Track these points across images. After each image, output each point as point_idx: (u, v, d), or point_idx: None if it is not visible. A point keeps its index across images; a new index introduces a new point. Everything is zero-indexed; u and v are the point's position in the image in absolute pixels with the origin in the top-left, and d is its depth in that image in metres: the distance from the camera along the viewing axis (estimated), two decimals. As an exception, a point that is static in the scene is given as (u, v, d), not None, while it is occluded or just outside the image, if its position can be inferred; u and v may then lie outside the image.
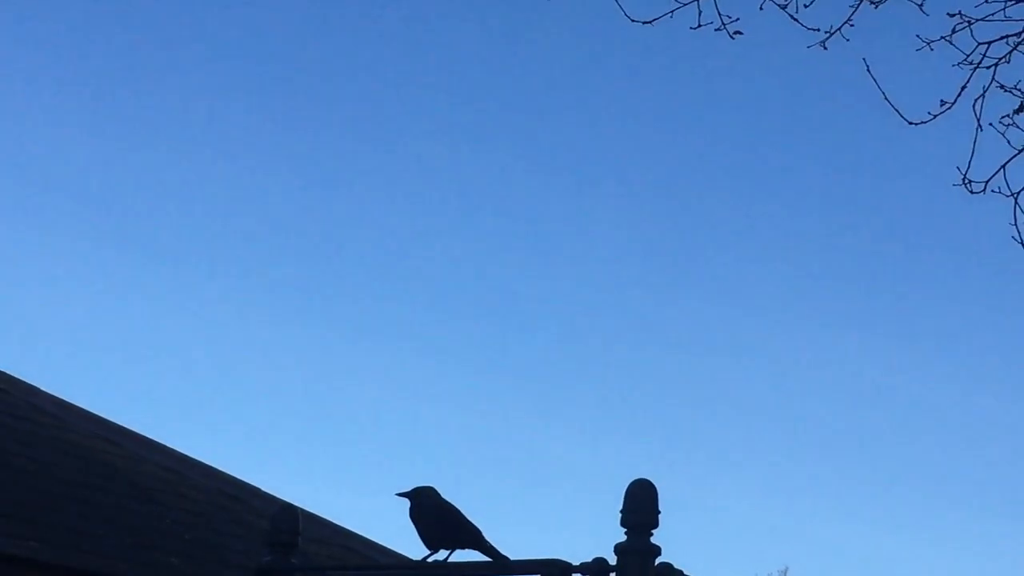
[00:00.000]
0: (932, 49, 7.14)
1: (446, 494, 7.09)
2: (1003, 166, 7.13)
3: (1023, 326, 22.60)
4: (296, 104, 20.86)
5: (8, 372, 8.78)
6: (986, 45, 7.14)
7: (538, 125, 21.83)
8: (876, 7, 7.09)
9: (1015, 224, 7.20)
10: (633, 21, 7.04)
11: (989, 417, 24.18)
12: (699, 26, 7.00)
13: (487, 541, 6.97)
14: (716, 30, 7.00)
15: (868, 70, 7.03)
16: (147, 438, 8.84)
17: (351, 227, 21.83)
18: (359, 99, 21.24)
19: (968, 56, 7.12)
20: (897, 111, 7.13)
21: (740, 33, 6.98)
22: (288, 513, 7.31)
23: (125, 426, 8.87)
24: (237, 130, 20.78)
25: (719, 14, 7.00)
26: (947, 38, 7.11)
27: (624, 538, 6.38)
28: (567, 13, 17.89)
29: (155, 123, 19.97)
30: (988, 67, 7.16)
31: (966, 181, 7.10)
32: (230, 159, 20.69)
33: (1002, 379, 23.46)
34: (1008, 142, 7.09)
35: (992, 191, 7.21)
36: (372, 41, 21.05)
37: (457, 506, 7.06)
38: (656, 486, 6.41)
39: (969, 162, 7.10)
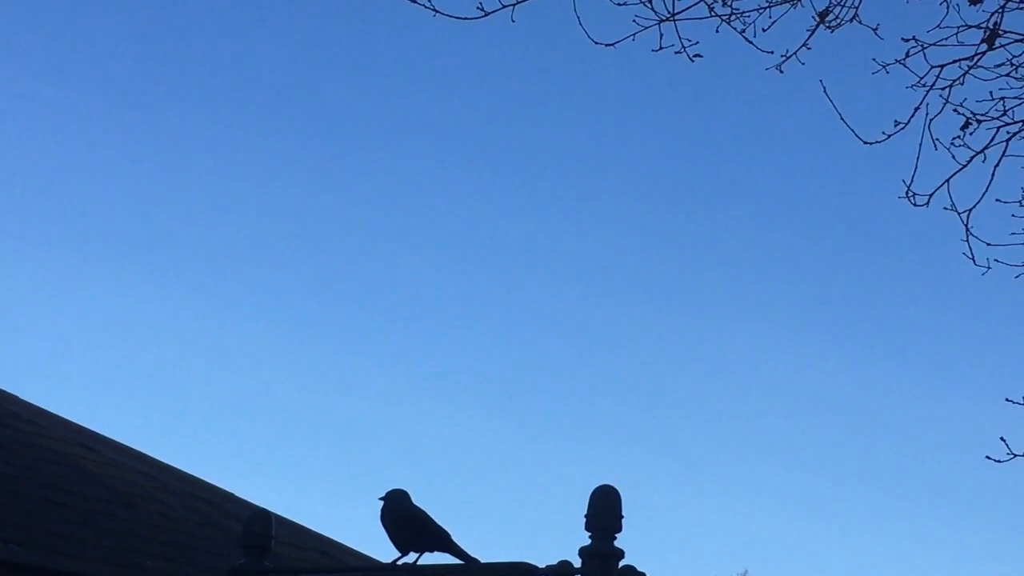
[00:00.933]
0: (887, 72, 7.26)
1: (416, 498, 7.17)
2: (947, 180, 7.26)
3: (974, 332, 22.94)
4: (292, 111, 20.95)
5: (-14, 381, 8.83)
6: (939, 68, 7.28)
7: (522, 140, 22.01)
8: (832, 31, 7.25)
9: (967, 240, 7.35)
10: (596, 43, 7.13)
11: (941, 421, 24.51)
12: (660, 48, 7.11)
13: (456, 544, 7.05)
14: (676, 53, 7.10)
15: (825, 91, 7.15)
16: (124, 444, 8.88)
17: (332, 234, 21.93)
18: (358, 106, 21.35)
19: (922, 78, 7.24)
20: (853, 131, 7.24)
21: (699, 56, 7.09)
22: (261, 517, 7.37)
23: (102, 433, 8.91)
24: (231, 134, 20.85)
25: (679, 37, 7.12)
26: (902, 61, 7.24)
27: (588, 542, 6.49)
28: (529, 33, 18.06)
29: (148, 126, 20.02)
30: (942, 88, 7.30)
31: (910, 194, 7.26)
32: (218, 165, 20.76)
33: (958, 384, 23.79)
34: (953, 157, 7.25)
35: (944, 208, 7.37)
36: (366, 47, 21.17)
37: (426, 510, 7.12)
38: (619, 491, 6.52)
39: (913, 175, 7.23)
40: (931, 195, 7.27)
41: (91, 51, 19.94)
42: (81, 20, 19.65)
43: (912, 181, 7.25)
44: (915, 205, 7.24)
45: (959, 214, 7.28)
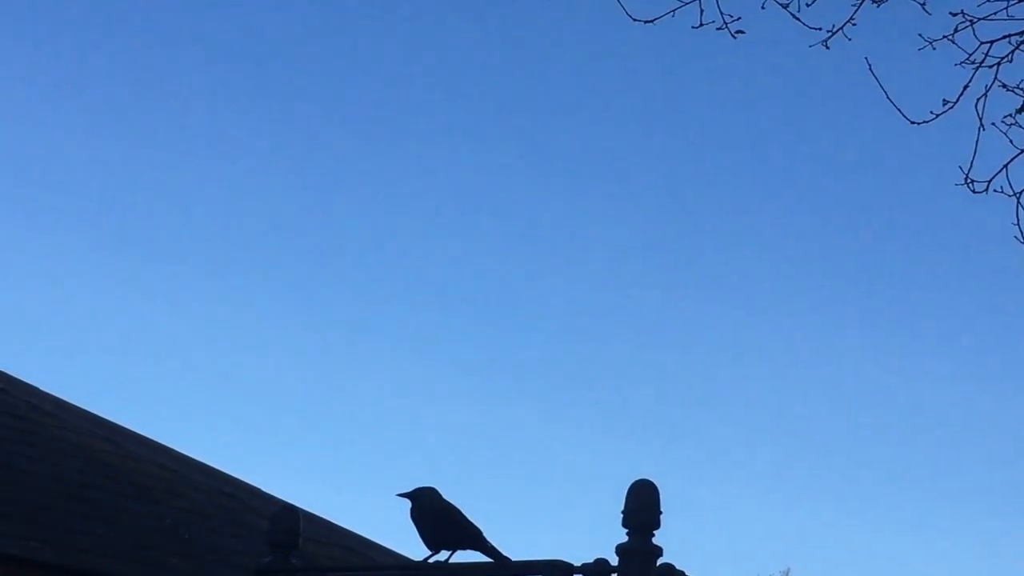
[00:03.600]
0: (934, 48, 7.15)
1: (447, 494, 7.11)
2: (1005, 165, 7.15)
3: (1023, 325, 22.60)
4: (295, 105, 20.87)
5: (7, 371, 8.78)
6: (988, 44, 7.14)
7: (536, 125, 21.83)
8: (878, 6, 7.10)
9: (1017, 224, 7.21)
10: (635, 20, 7.05)
11: (990, 417, 24.19)
12: (700, 25, 7.01)
13: (488, 542, 6.98)
14: (718, 29, 7.01)
15: (870, 69, 7.04)
16: (146, 438, 8.81)
17: (350, 227, 21.84)
18: (360, 99, 21.25)
19: (970, 55, 7.13)
20: (899, 110, 7.13)
21: (742, 32, 6.99)
22: (288, 513, 7.34)
23: (124, 426, 8.85)
24: (236, 130, 20.80)
25: (721, 13, 7.02)
26: (949, 37, 7.11)
27: (626, 539, 6.40)
28: (568, 12, 17.89)
29: (152, 122, 19.98)
30: (990, 66, 7.17)
31: (969, 181, 7.11)
32: (229, 159, 20.70)
33: (1003, 379, 23.47)
34: (1011, 141, 7.11)
35: (995, 191, 7.21)
36: (370, 41, 21.05)
37: (458, 506, 7.07)
38: (658, 486, 6.43)
39: (971, 162, 7.11)
40: (989, 181, 7.09)
41: (92, 51, 19.89)
42: (80, 15, 19.58)
43: (971, 167, 7.07)
44: (974, 192, 7.07)
45: (1016, 196, 7.08)
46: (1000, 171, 7.13)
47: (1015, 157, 7.11)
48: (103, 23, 19.81)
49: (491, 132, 21.88)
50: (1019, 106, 7.06)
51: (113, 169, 20.09)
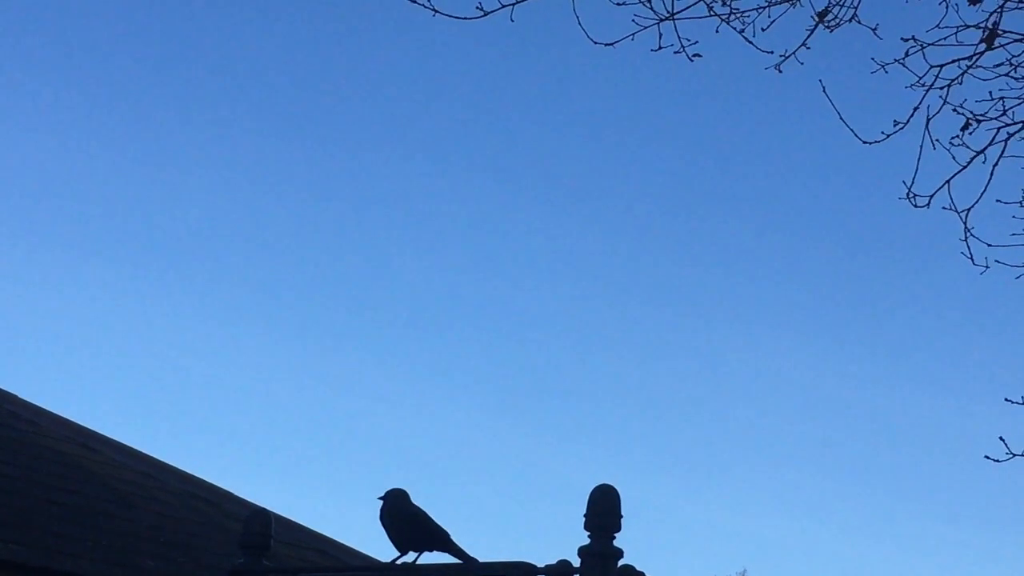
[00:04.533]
0: (886, 71, 7.24)
1: (415, 497, 7.19)
2: (947, 181, 7.25)
3: (973, 332, 22.93)
4: (293, 113, 20.95)
5: (-15, 380, 8.81)
6: (938, 68, 7.26)
7: (521, 140, 22.00)
8: (831, 31, 7.24)
9: (966, 240, 7.34)
10: (595, 43, 7.12)
11: (941, 421, 24.51)
12: (659, 48, 7.10)
13: (455, 543, 7.07)
14: (675, 53, 7.07)
15: (824, 91, 7.13)
16: (123, 444, 8.86)
17: (332, 233, 21.93)
18: (355, 108, 21.34)
19: (921, 78, 7.22)
20: (852, 131, 7.22)
21: (699, 56, 7.09)
22: (260, 516, 7.40)
23: (101, 432, 8.89)
24: (229, 137, 20.84)
25: (679, 37, 7.09)
26: (900, 61, 7.22)
27: (587, 541, 6.51)
28: (529, 34, 18.04)
29: (144, 129, 20.01)
30: (940, 88, 7.29)
31: (911, 195, 7.25)
32: (219, 165, 20.76)
33: (957, 384, 23.78)
34: (954, 158, 7.23)
35: (943, 208, 7.35)
36: (362, 54, 21.16)
37: (426, 509, 7.14)
38: (618, 491, 6.54)
39: (914, 177, 7.21)
40: (931, 196, 7.26)
41: (91, 51, 19.93)
42: (80, 20, 19.63)
43: (913, 182, 7.24)
44: (916, 206, 7.23)
45: (959, 214, 7.27)
46: (942, 186, 7.27)
47: (956, 173, 7.25)
48: (102, 26, 19.85)
49: (480, 141, 22.03)
50: (962, 125, 7.23)
51: (93, 175, 20.13)
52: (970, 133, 7.28)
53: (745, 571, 24.26)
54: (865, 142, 7.25)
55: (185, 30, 19.96)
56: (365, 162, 21.41)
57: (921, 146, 7.13)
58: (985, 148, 7.30)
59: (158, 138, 20.15)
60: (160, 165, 20.14)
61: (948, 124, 7.35)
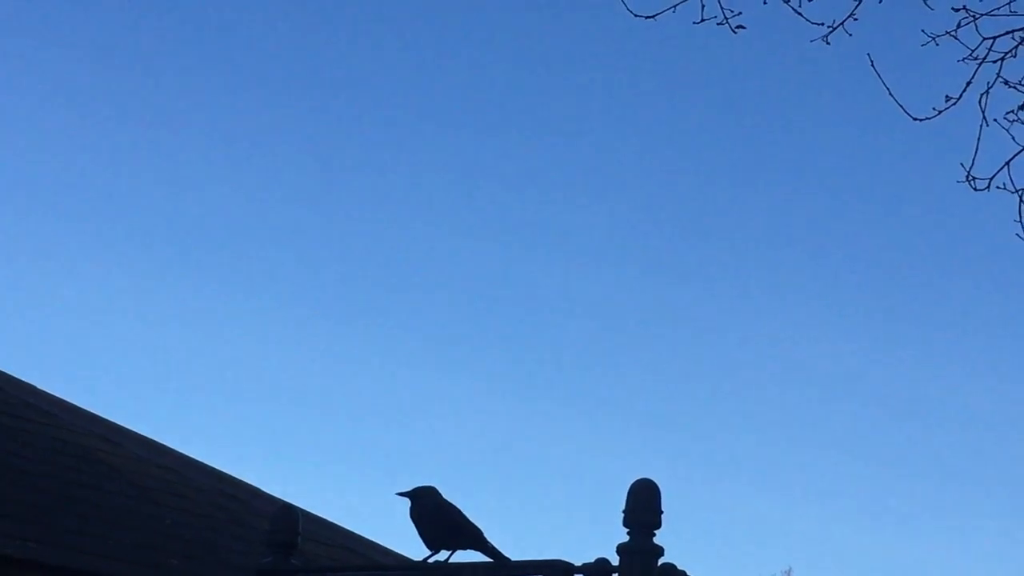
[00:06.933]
0: (937, 44, 7.11)
1: (447, 494, 7.11)
2: (1007, 163, 7.11)
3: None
4: (298, 100, 20.86)
5: (5, 371, 8.76)
6: (991, 40, 7.11)
7: (537, 122, 21.80)
8: (880, 1, 7.08)
9: (1020, 221, 7.17)
10: (636, 16, 7.01)
11: (997, 416, 24.16)
12: (702, 20, 6.99)
13: (488, 541, 6.99)
14: (718, 24, 6.98)
15: (872, 65, 7.01)
16: (146, 438, 8.81)
17: (351, 228, 21.82)
18: (360, 95, 21.23)
19: (973, 51, 7.08)
20: (901, 107, 7.09)
21: (743, 27, 6.96)
22: (288, 513, 7.33)
23: (124, 426, 8.85)
24: (236, 131, 20.78)
25: (721, 8, 6.99)
26: (952, 33, 7.07)
27: (627, 538, 6.40)
28: (570, 6, 17.87)
29: (152, 123, 19.96)
30: (994, 62, 7.13)
31: (970, 178, 7.08)
32: (226, 158, 20.69)
33: (1009, 376, 23.43)
34: (1012, 138, 7.06)
35: (997, 188, 7.17)
36: (367, 39, 21.03)
37: (458, 506, 7.07)
38: (659, 486, 6.43)
39: (973, 159, 7.07)
40: (991, 178, 7.05)
41: (92, 51, 19.87)
42: (79, 20, 19.57)
43: (972, 164, 7.03)
44: (976, 189, 7.03)
45: (1017, 193, 7.05)
46: (1002, 168, 7.10)
47: (1017, 154, 7.08)
48: (101, 21, 19.81)
49: (490, 132, 21.87)
50: (1022, 103, 7.04)
51: (113, 168, 20.07)
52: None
53: (790, 570, 23.99)
54: (915, 119, 7.12)
55: (188, 25, 19.86)
56: (378, 151, 21.23)
57: (981, 125, 6.91)
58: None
59: (177, 131, 20.08)
60: (179, 157, 20.05)
61: (1002, 100, 7.16)
